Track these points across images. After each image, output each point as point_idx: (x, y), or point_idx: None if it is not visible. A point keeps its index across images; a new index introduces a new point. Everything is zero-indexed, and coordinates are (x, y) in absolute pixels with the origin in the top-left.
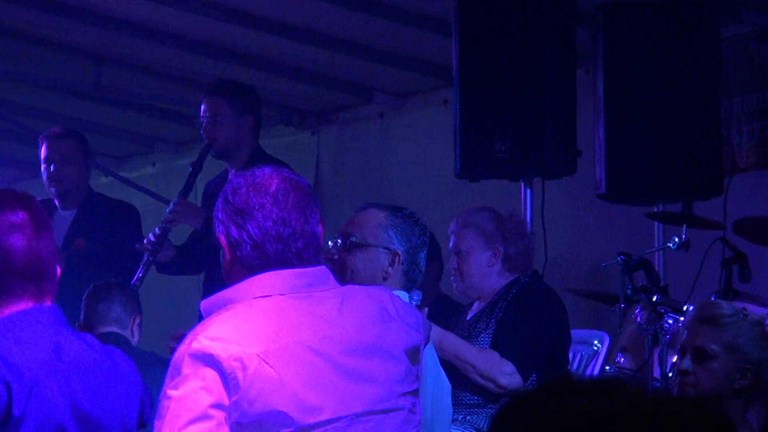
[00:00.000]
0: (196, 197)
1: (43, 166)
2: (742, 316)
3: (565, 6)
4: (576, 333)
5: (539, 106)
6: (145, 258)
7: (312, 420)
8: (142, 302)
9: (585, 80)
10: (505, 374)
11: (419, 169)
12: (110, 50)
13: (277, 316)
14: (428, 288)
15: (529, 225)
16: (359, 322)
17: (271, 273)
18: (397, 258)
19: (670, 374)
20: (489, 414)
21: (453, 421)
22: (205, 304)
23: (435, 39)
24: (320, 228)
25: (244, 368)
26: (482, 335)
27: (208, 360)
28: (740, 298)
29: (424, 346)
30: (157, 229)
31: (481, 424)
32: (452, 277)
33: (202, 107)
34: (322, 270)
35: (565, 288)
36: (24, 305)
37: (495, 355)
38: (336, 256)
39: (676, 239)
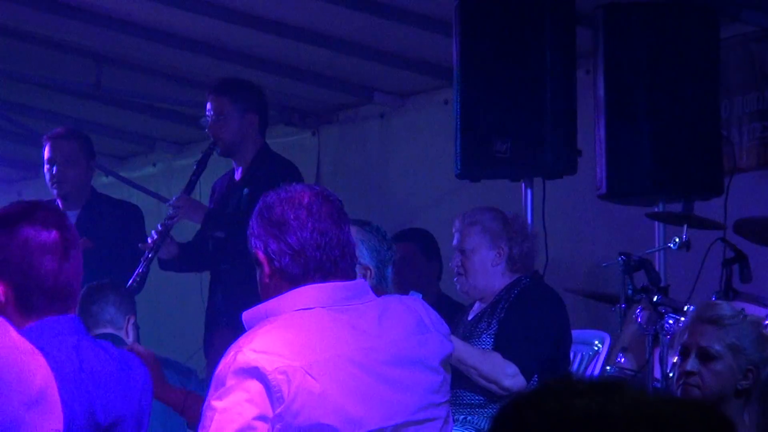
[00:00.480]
0: (200, 196)
1: (45, 167)
2: (742, 317)
3: (565, 6)
4: (576, 333)
5: (540, 106)
6: (146, 254)
7: (356, 431)
8: (145, 302)
9: (585, 80)
10: (509, 376)
11: (420, 169)
12: (111, 50)
13: (319, 329)
14: (429, 287)
15: (530, 226)
16: (398, 333)
17: (314, 286)
18: (368, 272)
19: (671, 374)
20: (490, 414)
21: (454, 421)
22: (247, 315)
23: (436, 39)
24: (353, 239)
25: (289, 381)
26: (483, 335)
27: (253, 372)
28: (741, 299)
29: None
30: (159, 225)
31: (482, 424)
32: (456, 276)
33: (207, 106)
34: (361, 283)
35: (565, 288)
36: (47, 317)
37: (497, 357)
38: None
39: (677, 239)
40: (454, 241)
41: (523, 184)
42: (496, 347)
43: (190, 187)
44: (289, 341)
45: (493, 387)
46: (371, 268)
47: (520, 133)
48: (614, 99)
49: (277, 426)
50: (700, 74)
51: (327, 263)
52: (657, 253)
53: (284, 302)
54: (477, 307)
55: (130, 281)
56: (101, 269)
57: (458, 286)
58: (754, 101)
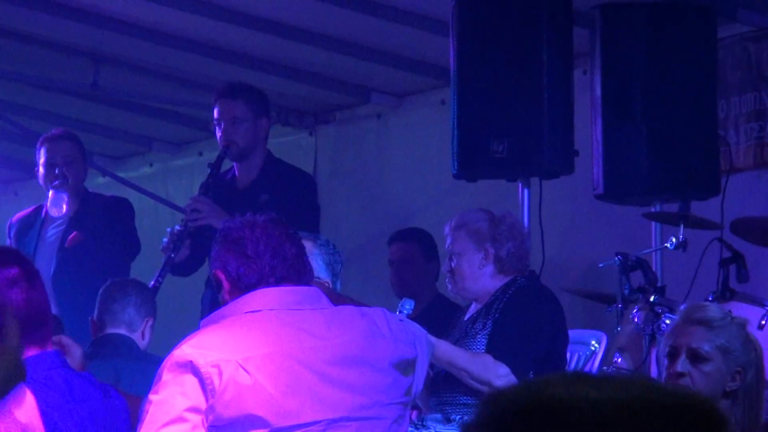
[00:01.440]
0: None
1: (42, 169)
2: (730, 319)
3: (562, 6)
4: (573, 333)
5: (537, 106)
6: (166, 257)
7: (288, 423)
8: None
9: (582, 80)
10: (500, 377)
11: (417, 169)
12: (108, 50)
13: (262, 327)
14: (426, 288)
15: (526, 225)
16: (346, 336)
17: (264, 290)
18: (326, 286)
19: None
20: None
21: (450, 421)
22: (203, 320)
23: (432, 39)
24: (307, 254)
25: (221, 374)
26: (479, 336)
27: (187, 366)
28: (737, 298)
29: (426, 358)
30: (177, 227)
31: None
32: (447, 279)
33: (217, 111)
34: (314, 290)
35: (562, 288)
36: (30, 352)
37: (488, 359)
38: None
39: (674, 239)
40: (446, 245)
41: (520, 184)
42: (489, 348)
43: (206, 190)
44: (227, 338)
45: (485, 389)
46: (328, 281)
47: (517, 133)
48: (611, 99)
49: (210, 417)
50: (697, 74)
51: (281, 269)
52: (654, 253)
53: (235, 306)
54: (473, 308)
55: (153, 282)
56: (93, 262)
57: (449, 288)
58: (751, 101)
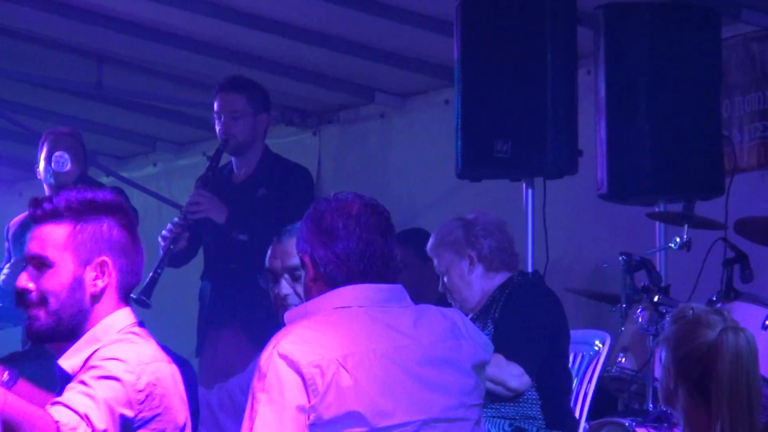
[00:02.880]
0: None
1: (44, 163)
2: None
3: (566, 6)
4: (577, 333)
5: (540, 106)
6: (165, 248)
7: (384, 423)
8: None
9: (586, 80)
10: (515, 377)
11: (420, 169)
12: (111, 50)
13: (355, 325)
14: (428, 290)
15: (531, 225)
16: (432, 336)
17: (352, 286)
18: None
19: None
20: (492, 415)
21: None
22: (288, 314)
23: (436, 39)
24: (397, 250)
25: (323, 374)
26: None
27: (291, 366)
28: (741, 299)
29: None
30: (177, 219)
31: (488, 425)
32: (448, 298)
33: (217, 104)
34: (399, 288)
35: (566, 288)
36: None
37: (501, 359)
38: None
39: (678, 239)
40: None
41: (523, 184)
42: (497, 349)
43: (205, 183)
44: (323, 336)
45: (500, 389)
46: None
47: (521, 133)
48: (615, 99)
49: (311, 416)
50: (701, 74)
51: (370, 272)
52: (658, 253)
53: (324, 301)
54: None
55: (152, 273)
56: None
57: (452, 305)
58: (755, 101)
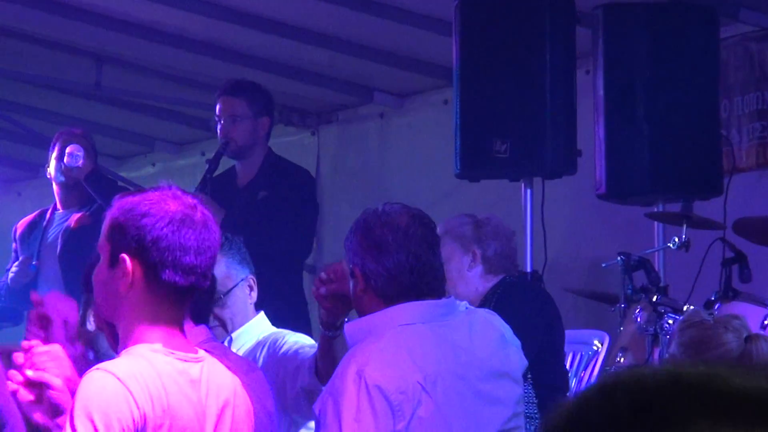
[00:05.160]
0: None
1: (55, 162)
2: (723, 328)
3: (565, 6)
4: (576, 333)
5: (539, 106)
6: None
7: None
8: None
9: (585, 80)
10: None
11: (419, 169)
12: (110, 50)
13: (424, 344)
14: None
15: (530, 225)
16: (487, 348)
17: (413, 303)
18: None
19: None
20: None
21: None
22: (350, 328)
23: (435, 39)
24: (443, 262)
25: (409, 400)
26: None
27: (377, 391)
28: (740, 299)
29: None
30: None
31: None
32: None
33: (218, 107)
34: (451, 300)
35: (565, 288)
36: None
37: None
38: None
39: (676, 239)
40: None
41: (522, 184)
42: None
43: (203, 185)
44: (400, 357)
45: None
46: (251, 276)
47: (520, 133)
48: (614, 99)
49: None
50: (699, 74)
51: (420, 286)
52: (656, 252)
53: (386, 318)
54: None
55: None
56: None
57: None
58: (754, 101)
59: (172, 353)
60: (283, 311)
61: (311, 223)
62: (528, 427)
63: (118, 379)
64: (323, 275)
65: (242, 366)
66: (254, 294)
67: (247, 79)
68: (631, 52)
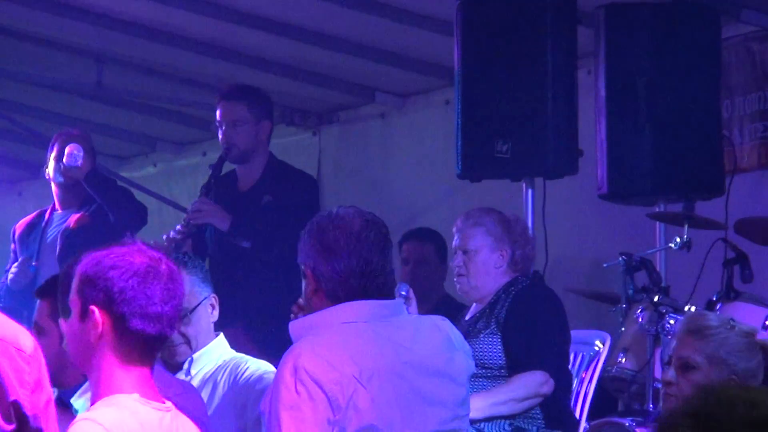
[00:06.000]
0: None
1: (54, 163)
2: (729, 327)
3: (566, 6)
4: (577, 333)
5: (541, 106)
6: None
7: None
8: None
9: (586, 80)
10: (542, 384)
11: (421, 170)
12: (112, 50)
13: (363, 341)
14: (436, 287)
15: (530, 226)
16: (430, 349)
17: (356, 302)
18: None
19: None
20: (529, 414)
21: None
22: (293, 326)
23: (437, 39)
24: (392, 265)
25: (343, 391)
26: (482, 335)
27: (315, 383)
28: (741, 299)
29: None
30: (179, 226)
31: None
32: (457, 276)
33: (219, 113)
34: (398, 302)
35: (566, 288)
36: None
37: (522, 377)
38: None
39: (678, 239)
40: (456, 242)
41: (524, 184)
42: (516, 360)
43: (206, 191)
44: (337, 352)
45: (533, 401)
46: (213, 295)
47: (521, 133)
48: (615, 99)
49: (335, 430)
50: (701, 74)
51: (369, 289)
52: (658, 253)
53: (329, 316)
54: (475, 308)
55: None
56: (96, 241)
57: (458, 287)
58: (756, 101)
59: (149, 403)
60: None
61: None
62: (530, 427)
63: (106, 429)
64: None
65: (179, 388)
66: (215, 313)
67: (246, 84)
68: (633, 52)
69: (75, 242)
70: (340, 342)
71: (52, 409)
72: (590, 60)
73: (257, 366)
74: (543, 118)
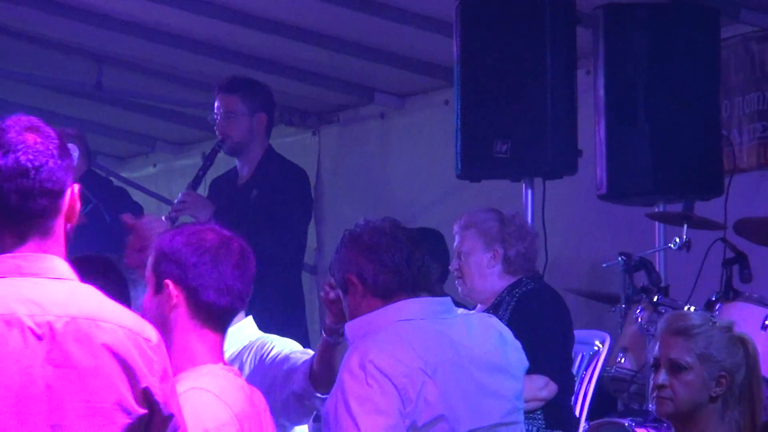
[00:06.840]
0: (204, 193)
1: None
2: (711, 324)
3: (565, 6)
4: (577, 333)
5: (540, 107)
6: None
7: (461, 429)
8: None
9: (586, 80)
10: (542, 388)
11: (420, 170)
12: (111, 50)
13: (423, 337)
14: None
15: (531, 226)
16: (486, 345)
17: (411, 300)
18: None
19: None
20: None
21: None
22: (350, 327)
23: (436, 39)
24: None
25: (413, 383)
26: None
27: (385, 378)
28: (741, 299)
29: None
30: (163, 218)
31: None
32: (456, 280)
33: (216, 104)
34: (449, 300)
35: (566, 288)
36: None
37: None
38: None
39: (677, 239)
40: (454, 244)
41: (523, 185)
42: None
43: (196, 182)
44: (401, 348)
45: (533, 404)
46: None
47: (521, 134)
48: (614, 99)
49: (407, 422)
50: (700, 75)
51: (417, 278)
52: (657, 253)
53: (386, 315)
54: (479, 309)
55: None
56: (96, 241)
57: (459, 290)
58: (755, 101)
59: (231, 370)
60: (278, 311)
61: (302, 222)
62: (530, 427)
63: (216, 396)
64: (333, 280)
65: None
66: None
67: (243, 76)
68: (632, 52)
69: (72, 242)
70: (401, 338)
71: (177, 398)
72: (589, 60)
73: (282, 346)
74: (542, 118)
